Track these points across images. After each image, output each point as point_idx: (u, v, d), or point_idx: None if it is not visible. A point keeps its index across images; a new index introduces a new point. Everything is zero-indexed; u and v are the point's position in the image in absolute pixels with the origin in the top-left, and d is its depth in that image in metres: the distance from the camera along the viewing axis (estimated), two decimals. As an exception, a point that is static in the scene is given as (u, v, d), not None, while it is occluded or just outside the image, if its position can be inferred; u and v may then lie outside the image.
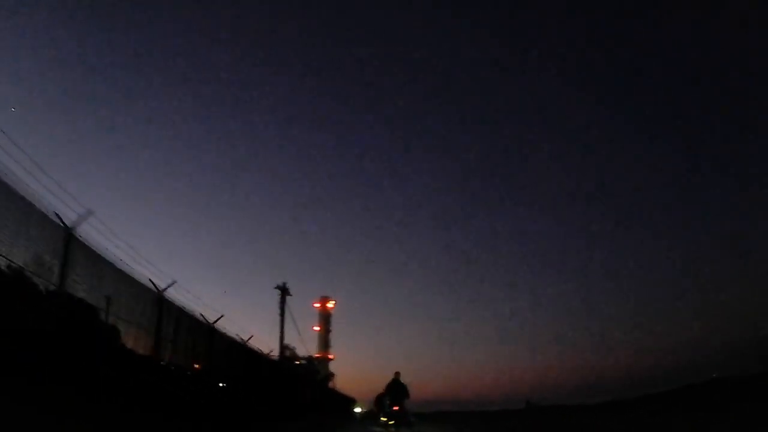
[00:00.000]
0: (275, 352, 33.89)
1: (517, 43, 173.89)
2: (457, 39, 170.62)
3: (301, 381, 27.31)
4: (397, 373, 14.68)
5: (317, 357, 69.06)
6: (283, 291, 28.32)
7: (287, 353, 52.01)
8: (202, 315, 13.39)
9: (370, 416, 41.50)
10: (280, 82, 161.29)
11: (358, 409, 52.28)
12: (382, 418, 20.57)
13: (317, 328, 76.67)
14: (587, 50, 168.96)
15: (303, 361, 56.08)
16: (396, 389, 14.52)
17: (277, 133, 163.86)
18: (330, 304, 77.06)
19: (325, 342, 74.85)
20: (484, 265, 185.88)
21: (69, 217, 7.50)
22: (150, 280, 10.43)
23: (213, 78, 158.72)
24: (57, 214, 7.21)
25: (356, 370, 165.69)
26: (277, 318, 42.39)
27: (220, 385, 15.40)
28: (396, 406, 14.46)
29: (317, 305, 76.87)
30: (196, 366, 14.50)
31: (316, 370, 56.91)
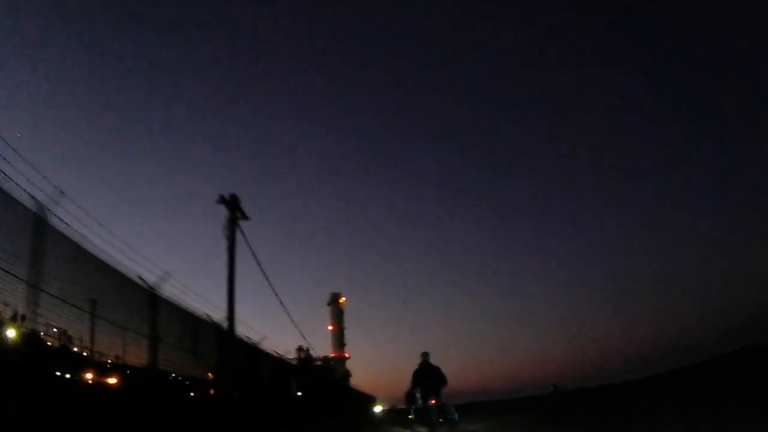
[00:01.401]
0: (291, 354, 33.20)
1: (531, 40, 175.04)
2: (465, 38, 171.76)
3: (318, 382, 26.85)
4: (426, 354, 11.03)
5: (333, 356, 68.72)
6: (231, 206, 14.40)
7: (302, 355, 51.67)
8: (207, 315, 12.63)
9: (395, 415, 40.76)
10: (291, 82, 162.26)
11: (378, 408, 51.51)
12: (410, 416, 18.75)
13: (331, 327, 76.69)
14: (596, 54, 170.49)
15: (319, 362, 55.77)
16: (428, 376, 10.75)
17: (290, 134, 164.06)
18: (342, 300, 76.48)
19: (339, 340, 74.50)
20: (502, 254, 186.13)
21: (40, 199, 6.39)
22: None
23: (216, 79, 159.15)
24: (29, 194, 6.04)
25: (372, 368, 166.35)
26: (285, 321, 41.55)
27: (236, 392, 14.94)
28: (432, 398, 10.51)
29: (329, 303, 76.59)
30: (210, 375, 13.95)
31: (334, 370, 56.59)
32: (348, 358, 73.12)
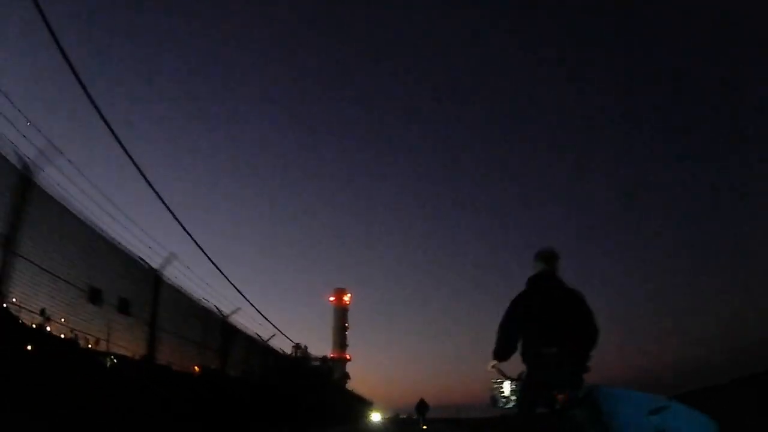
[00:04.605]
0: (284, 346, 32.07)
1: (522, 42, 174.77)
2: (462, 38, 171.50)
3: (313, 383, 25.77)
4: (550, 258, 4.20)
5: (333, 357, 67.60)
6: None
7: (298, 353, 50.67)
8: (216, 307, 12.02)
9: (397, 426, 38.90)
10: (293, 85, 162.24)
11: (377, 416, 49.45)
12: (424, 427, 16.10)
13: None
14: (590, 52, 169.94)
15: (317, 362, 54.73)
16: (554, 316, 3.89)
17: (292, 133, 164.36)
18: (346, 298, 75.14)
19: (341, 341, 73.31)
20: (509, 264, 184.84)
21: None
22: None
23: (223, 80, 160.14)
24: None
25: (373, 372, 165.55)
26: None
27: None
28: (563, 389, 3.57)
29: (332, 299, 75.43)
30: (196, 368, 13.14)
31: (330, 371, 55.62)
32: (349, 359, 72.05)
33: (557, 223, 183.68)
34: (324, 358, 58.80)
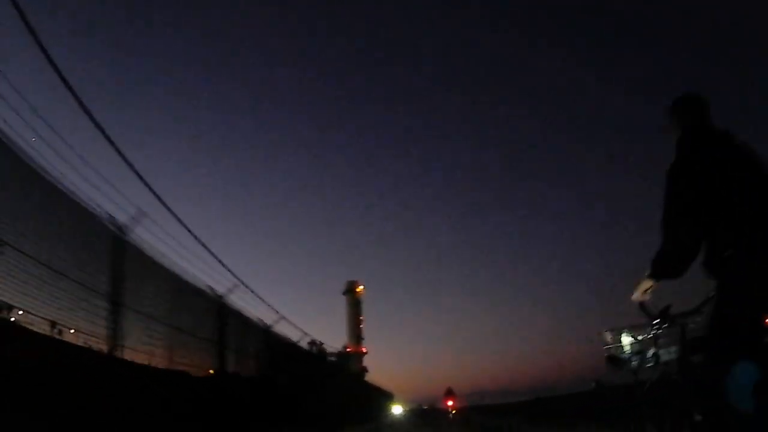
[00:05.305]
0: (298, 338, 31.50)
1: (536, 40, 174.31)
2: (476, 33, 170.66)
3: (332, 378, 25.27)
4: (689, 108, 2.73)
5: (348, 351, 67.26)
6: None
7: (314, 349, 50.24)
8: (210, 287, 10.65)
9: (419, 418, 38.15)
10: (305, 78, 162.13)
11: (398, 409, 48.36)
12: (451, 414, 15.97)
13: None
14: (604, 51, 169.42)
15: (333, 358, 54.32)
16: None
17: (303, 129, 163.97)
18: (359, 289, 74.43)
19: (356, 334, 72.99)
20: (525, 249, 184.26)
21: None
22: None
23: (235, 78, 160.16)
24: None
25: (388, 363, 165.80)
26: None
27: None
28: None
29: (344, 292, 74.51)
30: (211, 371, 12.38)
31: (347, 366, 55.33)
32: (365, 353, 71.63)
33: (563, 213, 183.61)
34: (340, 353, 58.43)
